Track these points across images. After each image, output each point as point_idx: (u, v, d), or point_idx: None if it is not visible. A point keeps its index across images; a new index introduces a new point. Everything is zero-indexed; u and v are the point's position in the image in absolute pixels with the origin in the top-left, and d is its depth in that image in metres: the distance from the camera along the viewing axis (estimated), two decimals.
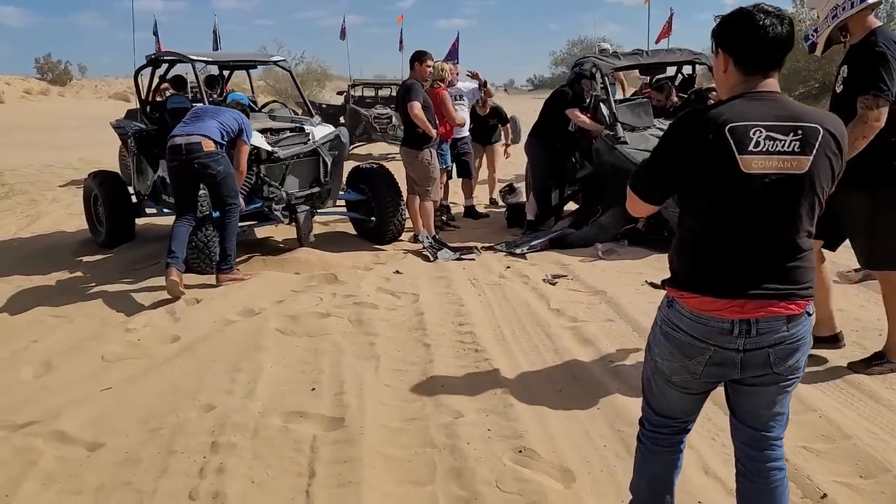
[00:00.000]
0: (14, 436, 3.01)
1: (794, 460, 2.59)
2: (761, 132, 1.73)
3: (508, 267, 5.57)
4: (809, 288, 1.83)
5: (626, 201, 1.99)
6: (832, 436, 2.80)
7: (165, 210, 6.26)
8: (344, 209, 6.78)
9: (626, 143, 6.07)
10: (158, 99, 7.23)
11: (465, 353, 3.81)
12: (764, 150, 1.72)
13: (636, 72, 9.71)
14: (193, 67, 6.21)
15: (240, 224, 5.40)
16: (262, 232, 6.72)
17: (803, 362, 1.89)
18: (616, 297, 4.61)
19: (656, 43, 15.75)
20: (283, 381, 3.49)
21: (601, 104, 6.45)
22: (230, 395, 3.33)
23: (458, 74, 7.63)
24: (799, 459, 2.63)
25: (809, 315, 1.85)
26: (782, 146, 1.73)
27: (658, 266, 5.40)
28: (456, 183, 7.88)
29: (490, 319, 4.34)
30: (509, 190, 7.70)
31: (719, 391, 2.02)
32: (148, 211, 6.60)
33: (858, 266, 4.16)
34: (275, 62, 6.88)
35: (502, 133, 8.15)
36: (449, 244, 6.19)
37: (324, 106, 15.43)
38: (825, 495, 2.41)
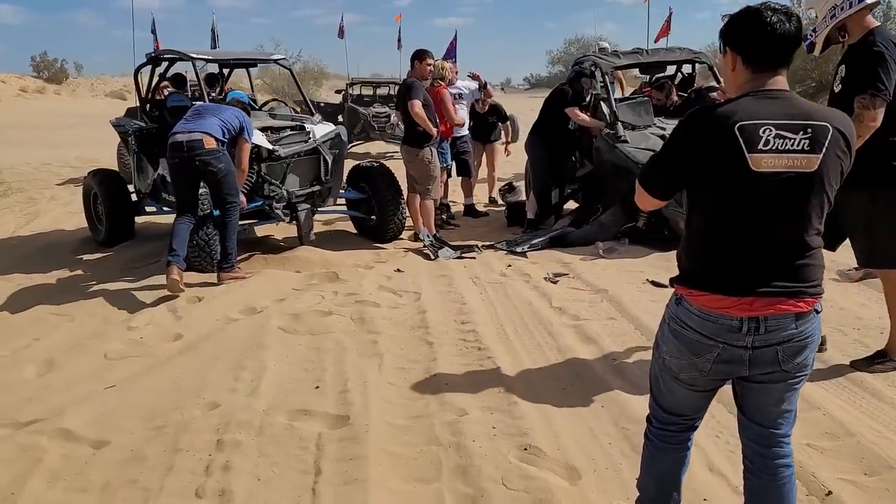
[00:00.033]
0: (18, 434, 3.00)
1: (799, 457, 2.59)
2: (771, 130, 1.73)
3: (509, 265, 5.58)
4: (818, 286, 1.84)
5: (635, 195, 2.00)
6: (836, 433, 2.81)
7: (165, 208, 6.26)
8: (344, 208, 6.78)
9: (626, 141, 6.08)
10: (158, 97, 7.22)
11: (468, 351, 3.81)
12: (773, 148, 1.73)
13: (635, 71, 9.74)
14: (194, 65, 6.20)
15: (240, 222, 5.40)
16: (262, 230, 6.72)
17: (812, 360, 1.90)
18: (618, 296, 4.62)
19: (655, 42, 15.78)
20: (287, 380, 3.49)
21: (602, 103, 6.46)
22: (234, 393, 3.33)
23: (457, 73, 7.64)
24: (803, 457, 2.63)
25: (818, 313, 1.86)
26: (792, 144, 1.74)
27: (659, 264, 5.41)
28: (455, 181, 7.89)
29: (492, 318, 4.35)
30: (509, 189, 7.72)
31: (723, 389, 2.03)
32: (148, 209, 6.59)
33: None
34: (275, 60, 6.87)
35: (502, 131, 8.16)
36: (450, 243, 6.19)
37: (322, 105, 15.40)
38: (830, 492, 2.43)
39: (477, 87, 7.57)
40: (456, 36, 12.60)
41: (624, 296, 4.62)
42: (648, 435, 2.12)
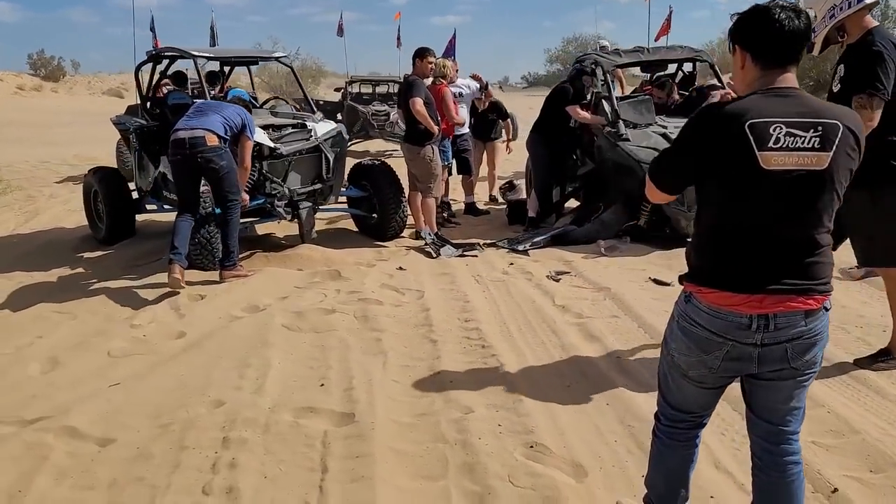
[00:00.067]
0: (24, 431, 3.00)
1: (804, 455, 2.56)
2: (781, 128, 1.74)
3: (511, 263, 5.58)
4: (827, 283, 1.84)
5: (645, 187, 2.02)
6: (841, 431, 2.82)
7: (166, 206, 6.25)
8: (346, 206, 6.77)
9: (628, 140, 6.09)
10: (158, 95, 7.21)
11: (472, 349, 3.82)
12: (784, 146, 1.74)
13: (634, 70, 9.74)
14: (195, 63, 6.19)
15: (241, 220, 5.40)
16: (262, 228, 6.71)
17: (820, 357, 1.91)
18: (620, 294, 4.63)
19: (655, 40, 15.76)
20: (292, 377, 3.49)
21: (603, 101, 6.46)
22: (239, 391, 3.33)
23: (457, 71, 7.65)
24: (809, 454, 2.64)
25: (827, 310, 1.87)
26: (802, 142, 1.74)
27: (660, 262, 5.42)
28: (456, 180, 7.88)
29: (496, 316, 4.35)
30: (509, 187, 7.72)
31: (728, 387, 2.03)
32: (148, 207, 6.58)
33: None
34: (277, 58, 6.86)
35: (503, 129, 8.16)
36: (451, 241, 6.19)
37: (321, 103, 15.39)
38: (836, 490, 2.43)
39: (478, 87, 7.58)
40: (455, 34, 12.61)
41: (626, 294, 4.63)
42: (657, 432, 2.12)
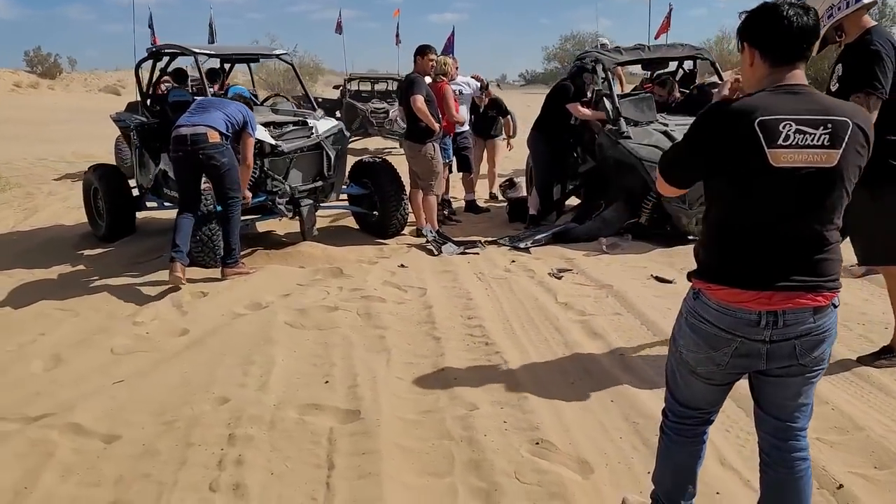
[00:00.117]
0: (29, 428, 3.00)
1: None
2: (791, 126, 1.74)
3: (513, 261, 5.59)
4: (836, 280, 1.85)
5: (656, 182, 2.04)
6: (845, 427, 2.83)
7: (167, 204, 6.24)
8: (347, 203, 6.77)
9: (629, 137, 6.09)
10: (159, 92, 7.19)
11: (476, 346, 3.82)
12: (793, 143, 1.74)
13: (634, 69, 9.74)
14: (196, 60, 6.17)
15: (242, 218, 5.39)
16: (264, 226, 6.70)
17: (828, 353, 1.91)
18: (623, 291, 4.64)
19: (655, 38, 15.79)
20: (296, 374, 3.49)
21: (604, 99, 6.46)
22: (244, 388, 3.33)
23: (457, 68, 7.64)
24: (813, 451, 2.62)
25: (835, 307, 1.87)
26: (812, 140, 1.75)
27: (662, 260, 5.43)
28: (456, 177, 7.88)
29: (498, 313, 4.36)
30: (509, 184, 7.72)
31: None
32: (149, 204, 6.57)
33: None
34: (277, 55, 6.85)
35: (503, 126, 8.16)
36: (452, 238, 6.20)
37: (320, 100, 15.37)
38: (841, 486, 2.44)
39: (478, 86, 7.59)
40: (454, 32, 12.61)
41: (629, 291, 4.64)
42: (664, 428, 2.13)
